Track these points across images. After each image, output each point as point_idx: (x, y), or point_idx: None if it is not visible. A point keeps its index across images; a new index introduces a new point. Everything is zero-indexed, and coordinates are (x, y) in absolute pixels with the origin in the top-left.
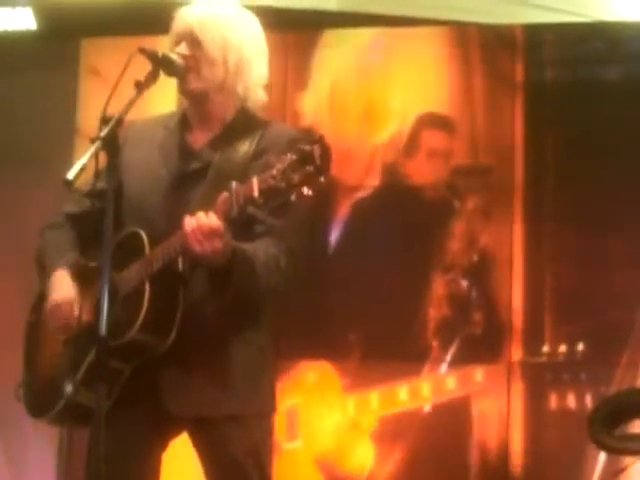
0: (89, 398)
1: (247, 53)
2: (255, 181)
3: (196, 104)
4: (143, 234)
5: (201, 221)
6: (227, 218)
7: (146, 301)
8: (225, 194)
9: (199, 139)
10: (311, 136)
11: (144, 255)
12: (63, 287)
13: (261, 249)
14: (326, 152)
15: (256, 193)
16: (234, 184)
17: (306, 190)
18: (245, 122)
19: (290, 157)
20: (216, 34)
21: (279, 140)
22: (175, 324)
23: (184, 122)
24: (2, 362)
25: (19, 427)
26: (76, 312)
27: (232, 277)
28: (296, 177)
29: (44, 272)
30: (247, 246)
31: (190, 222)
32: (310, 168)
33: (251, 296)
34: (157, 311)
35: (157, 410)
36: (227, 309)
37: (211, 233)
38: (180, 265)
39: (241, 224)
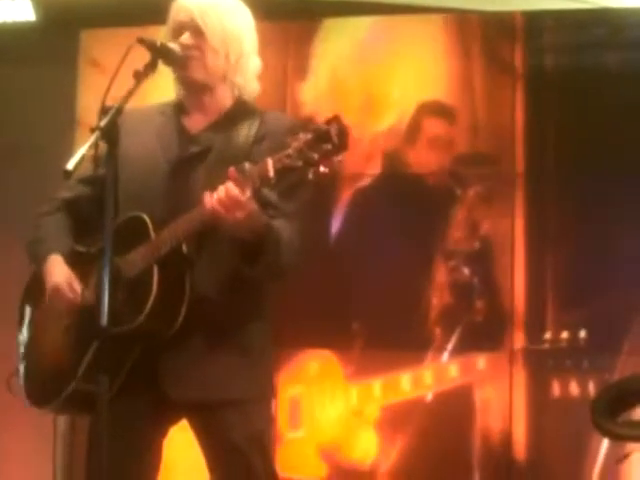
0: (93, 386)
1: (246, 44)
2: (270, 161)
3: (195, 93)
4: (146, 218)
5: (220, 194)
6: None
7: (155, 286)
8: (237, 175)
9: (197, 123)
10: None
11: (149, 239)
12: (59, 270)
13: (282, 229)
14: (343, 130)
15: (271, 173)
16: (247, 165)
17: (322, 168)
18: (243, 110)
19: (306, 136)
20: (218, 25)
21: (280, 126)
22: (182, 309)
23: (180, 108)
24: None
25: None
26: (78, 290)
27: (263, 252)
28: (315, 155)
29: (37, 259)
30: (274, 223)
31: (212, 195)
32: (328, 146)
33: (272, 275)
34: (165, 296)
35: (157, 395)
36: (228, 297)
37: (232, 204)
38: (185, 249)
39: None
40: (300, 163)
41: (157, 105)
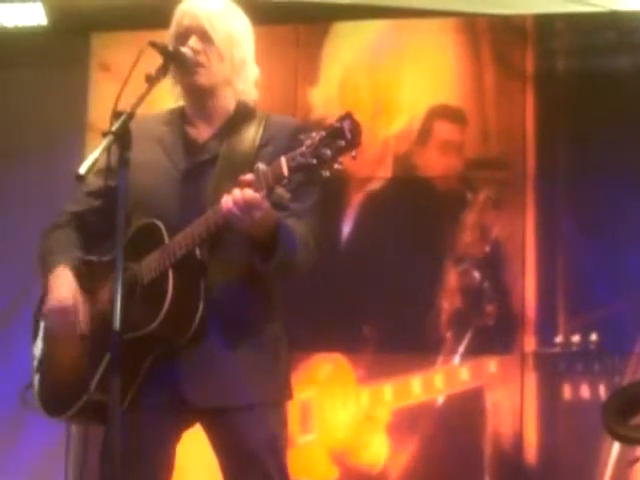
0: (106, 396)
1: (248, 50)
2: (283, 160)
3: (200, 99)
4: (160, 224)
5: (236, 197)
6: None
7: (170, 290)
8: (251, 176)
9: (202, 133)
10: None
11: (163, 244)
12: (63, 285)
13: (294, 226)
14: (356, 127)
15: (286, 172)
16: (260, 165)
17: (336, 165)
18: (246, 114)
19: (319, 134)
20: (224, 29)
21: (284, 129)
22: (198, 314)
23: (183, 117)
24: None
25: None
26: (80, 311)
27: (277, 249)
28: (328, 152)
29: (46, 272)
30: (287, 221)
31: (228, 199)
32: (341, 143)
33: (288, 271)
34: (180, 300)
35: (174, 401)
36: (241, 300)
37: (248, 206)
38: (198, 253)
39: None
40: (314, 161)
41: (159, 114)
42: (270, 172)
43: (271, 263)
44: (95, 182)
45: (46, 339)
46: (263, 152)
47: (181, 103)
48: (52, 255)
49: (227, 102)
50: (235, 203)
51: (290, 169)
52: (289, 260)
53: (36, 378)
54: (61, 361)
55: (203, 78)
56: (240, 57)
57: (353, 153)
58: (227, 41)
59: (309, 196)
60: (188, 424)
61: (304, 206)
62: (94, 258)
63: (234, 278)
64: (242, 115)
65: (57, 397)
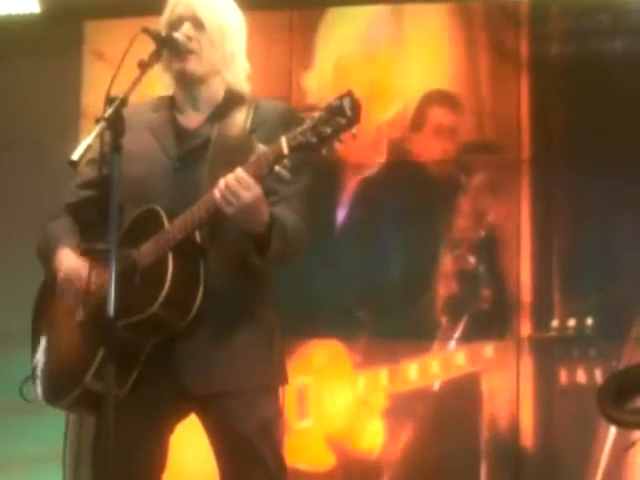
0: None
1: (240, 43)
2: (284, 139)
3: (190, 86)
4: (160, 209)
5: (227, 178)
6: (257, 178)
7: (170, 273)
8: (247, 166)
9: (192, 119)
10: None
11: (163, 229)
12: (69, 259)
13: (287, 216)
14: (356, 104)
15: (286, 151)
16: (261, 146)
17: (337, 143)
18: (235, 99)
19: (320, 113)
20: (217, 19)
21: (273, 115)
22: (197, 298)
23: (173, 104)
24: None
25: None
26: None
27: (271, 242)
28: (328, 130)
29: (48, 258)
30: (277, 211)
31: (220, 181)
32: (342, 120)
33: (281, 262)
34: (180, 284)
35: (173, 388)
36: (238, 286)
37: (238, 186)
38: (198, 237)
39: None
40: (314, 140)
41: (147, 102)
42: (271, 152)
43: (266, 257)
44: (88, 172)
45: (47, 329)
46: (254, 136)
47: (170, 92)
48: (52, 243)
49: (216, 91)
50: (226, 184)
51: (291, 148)
52: (283, 253)
53: (38, 367)
54: (61, 349)
55: (194, 65)
56: (231, 50)
57: (353, 130)
58: (219, 31)
59: (301, 179)
60: (184, 414)
61: (295, 190)
62: (94, 245)
63: (229, 264)
64: (231, 101)
65: (55, 384)
